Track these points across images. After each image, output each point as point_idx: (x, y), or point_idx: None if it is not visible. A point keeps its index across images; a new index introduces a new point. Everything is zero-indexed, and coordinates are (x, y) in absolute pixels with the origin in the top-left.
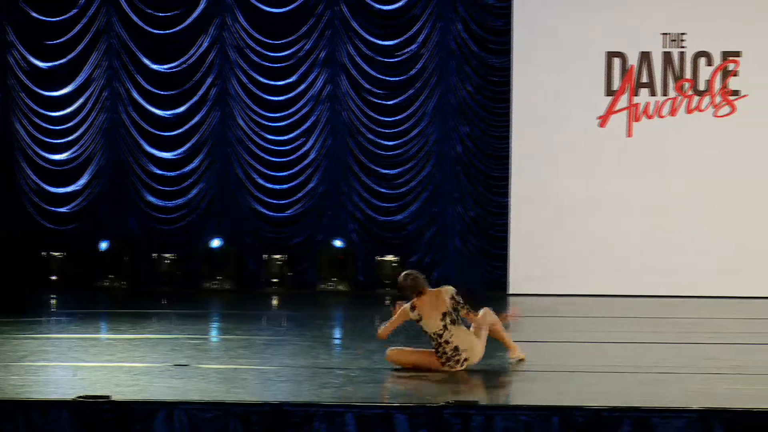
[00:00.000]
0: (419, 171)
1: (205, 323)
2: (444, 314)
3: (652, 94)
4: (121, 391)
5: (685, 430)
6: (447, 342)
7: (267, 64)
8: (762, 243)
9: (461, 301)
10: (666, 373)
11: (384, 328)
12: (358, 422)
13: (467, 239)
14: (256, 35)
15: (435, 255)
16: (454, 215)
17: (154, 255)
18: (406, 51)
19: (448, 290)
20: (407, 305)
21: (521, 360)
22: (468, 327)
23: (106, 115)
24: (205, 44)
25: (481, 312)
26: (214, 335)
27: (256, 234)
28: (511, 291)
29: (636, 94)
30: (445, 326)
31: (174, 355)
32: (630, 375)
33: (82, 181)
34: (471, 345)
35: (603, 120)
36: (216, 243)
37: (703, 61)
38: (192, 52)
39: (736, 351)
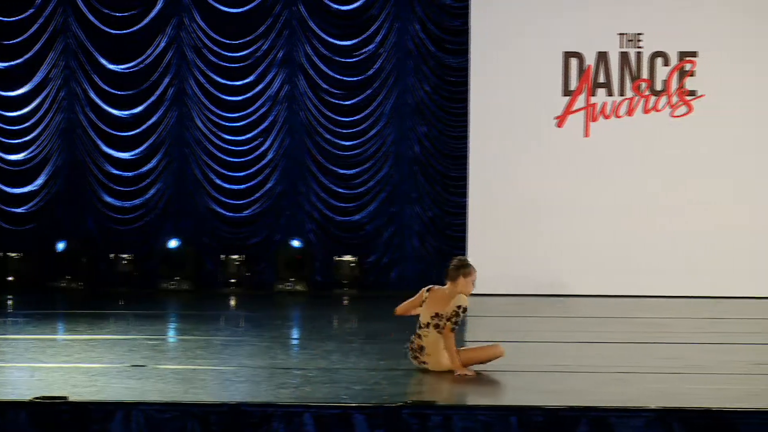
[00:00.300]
0: (377, 171)
1: (163, 324)
2: (437, 314)
3: (609, 94)
4: (78, 392)
5: (644, 430)
6: (420, 337)
7: (224, 64)
8: (719, 242)
9: (456, 318)
10: (625, 372)
11: (402, 305)
12: (316, 422)
13: (425, 239)
14: (214, 35)
15: (393, 255)
16: (412, 215)
17: (112, 255)
18: (363, 51)
19: (461, 299)
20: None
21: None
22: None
23: (63, 116)
24: (163, 44)
25: (471, 347)
26: (171, 336)
27: (213, 234)
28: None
29: (593, 94)
30: (428, 324)
31: (131, 355)
32: (589, 375)
33: (39, 182)
34: (438, 358)
35: (560, 120)
36: (173, 243)
37: (660, 61)
38: (149, 52)
39: (695, 350)
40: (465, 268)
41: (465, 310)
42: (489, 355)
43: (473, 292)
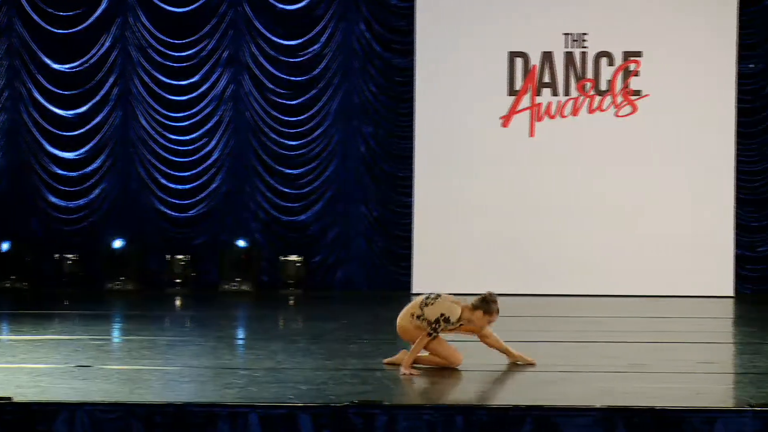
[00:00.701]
0: (323, 171)
1: (108, 324)
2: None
3: (555, 94)
4: (22, 393)
5: (588, 429)
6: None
7: (169, 63)
8: (663, 241)
9: (436, 326)
10: (570, 371)
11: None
12: (262, 422)
13: (371, 239)
14: (159, 35)
15: (338, 255)
16: (358, 215)
17: (56, 255)
18: (309, 51)
19: (451, 310)
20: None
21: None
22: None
23: (6, 116)
24: (107, 44)
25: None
26: (116, 336)
27: (158, 234)
28: (414, 291)
29: (538, 94)
30: (413, 314)
31: (76, 356)
32: (534, 374)
33: None
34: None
35: (505, 120)
36: (118, 243)
37: (604, 61)
38: (94, 51)
39: (639, 349)
40: (488, 304)
41: (447, 320)
42: (445, 364)
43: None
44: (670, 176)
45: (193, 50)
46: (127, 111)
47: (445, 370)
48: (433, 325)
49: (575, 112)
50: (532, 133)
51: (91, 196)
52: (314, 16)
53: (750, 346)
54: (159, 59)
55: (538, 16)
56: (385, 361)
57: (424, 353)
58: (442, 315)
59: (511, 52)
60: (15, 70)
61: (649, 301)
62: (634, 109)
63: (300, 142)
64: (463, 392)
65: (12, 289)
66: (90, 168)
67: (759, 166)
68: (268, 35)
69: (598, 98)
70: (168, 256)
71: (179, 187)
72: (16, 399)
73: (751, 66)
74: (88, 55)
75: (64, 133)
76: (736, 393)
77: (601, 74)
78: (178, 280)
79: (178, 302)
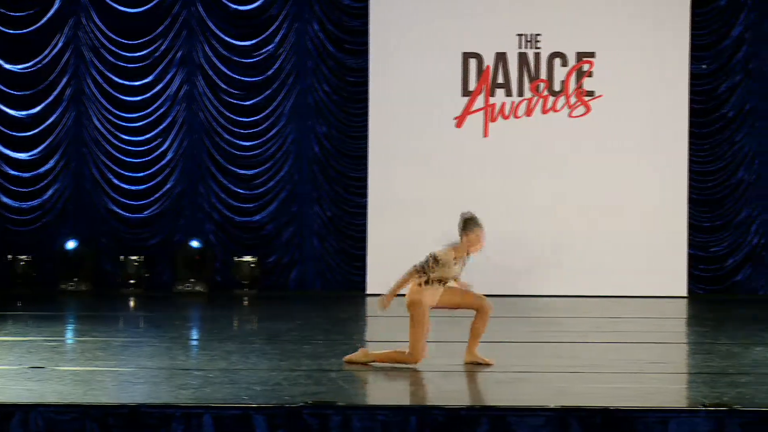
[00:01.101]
0: (277, 171)
1: (62, 325)
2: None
3: (508, 94)
4: None
5: (542, 429)
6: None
7: (123, 64)
8: (616, 241)
9: (424, 263)
10: (524, 372)
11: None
12: (216, 423)
13: (325, 239)
14: (112, 35)
15: (293, 255)
16: (312, 215)
17: (9, 256)
18: (262, 51)
19: (439, 251)
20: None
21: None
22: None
23: None
24: (60, 44)
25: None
26: (70, 337)
27: (112, 235)
28: (369, 291)
29: (492, 95)
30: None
31: (30, 357)
32: (488, 374)
33: None
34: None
35: (459, 120)
36: (72, 244)
37: (558, 61)
38: (47, 52)
39: (592, 350)
40: (463, 227)
41: (435, 260)
42: (402, 361)
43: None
44: (624, 177)
45: (147, 51)
46: (80, 111)
47: (401, 371)
48: (423, 265)
49: (529, 112)
50: (486, 134)
51: (44, 197)
52: (268, 16)
53: (703, 346)
54: (112, 60)
55: (492, 17)
56: (345, 358)
57: (387, 350)
58: (431, 254)
59: (464, 53)
60: None
61: (603, 301)
62: (588, 110)
63: (254, 142)
64: (418, 393)
65: None
66: (43, 169)
67: (712, 167)
68: (222, 36)
69: (551, 99)
70: (122, 257)
71: (133, 187)
72: None
73: (703, 67)
74: (41, 56)
75: (17, 134)
76: (690, 393)
77: (555, 75)
78: (131, 281)
79: (131, 303)
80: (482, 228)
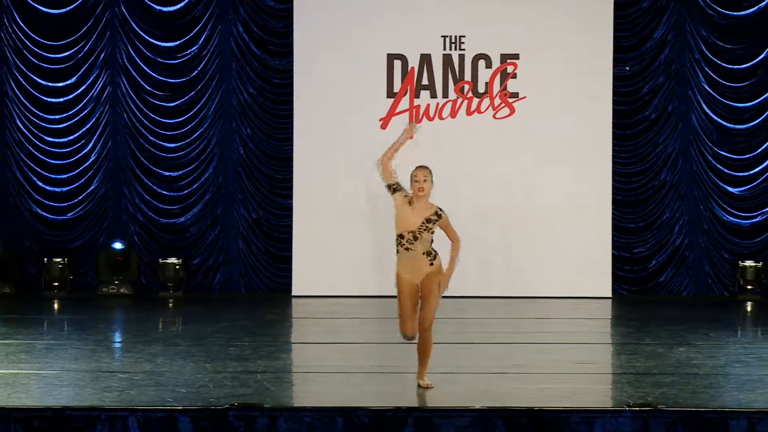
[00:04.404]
0: (201, 173)
1: None
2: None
3: (433, 96)
4: None
5: (468, 429)
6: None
7: (45, 65)
8: (541, 242)
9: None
10: (450, 372)
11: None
12: (141, 426)
13: (250, 241)
14: (34, 36)
15: (218, 257)
16: (237, 217)
17: None
18: (186, 53)
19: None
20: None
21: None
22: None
23: None
24: None
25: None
26: None
27: (35, 237)
28: (294, 293)
29: (417, 96)
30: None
31: None
32: (412, 375)
33: None
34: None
35: (384, 122)
36: None
37: (482, 63)
38: None
39: (518, 350)
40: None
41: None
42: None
43: None
44: (548, 178)
45: (70, 52)
46: (2, 113)
47: (328, 371)
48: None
49: (453, 114)
50: (410, 136)
51: None
52: (191, 17)
53: (627, 347)
54: (35, 61)
55: (416, 19)
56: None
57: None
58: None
59: (389, 55)
60: None
61: (528, 302)
62: (512, 111)
63: (178, 144)
64: (344, 394)
65: None
66: None
67: (635, 168)
68: (146, 37)
69: (476, 100)
70: (45, 259)
71: (56, 189)
72: None
73: (626, 69)
74: None
75: None
76: (614, 393)
77: (479, 76)
78: (55, 284)
79: (55, 306)
80: (422, 168)
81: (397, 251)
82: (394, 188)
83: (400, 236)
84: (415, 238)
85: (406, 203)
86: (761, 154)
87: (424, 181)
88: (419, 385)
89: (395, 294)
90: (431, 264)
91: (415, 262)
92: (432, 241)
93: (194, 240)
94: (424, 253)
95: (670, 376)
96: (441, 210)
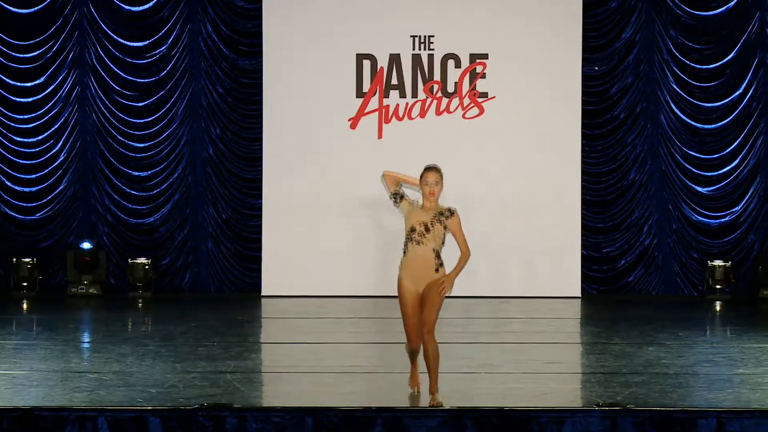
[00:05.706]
0: (170, 173)
1: None
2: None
3: (402, 96)
4: None
5: (438, 429)
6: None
7: (14, 65)
8: (511, 242)
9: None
10: (421, 373)
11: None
12: (111, 426)
13: (220, 241)
14: (2, 36)
15: (187, 257)
16: (206, 217)
17: None
18: (155, 52)
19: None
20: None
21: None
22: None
23: None
24: None
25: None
26: None
27: (4, 237)
28: (264, 293)
29: (386, 96)
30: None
31: None
32: (384, 375)
33: None
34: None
35: (353, 122)
36: None
37: (451, 63)
38: None
39: (487, 350)
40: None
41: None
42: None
43: None
44: (518, 178)
45: (38, 52)
46: None
47: (293, 373)
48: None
49: (423, 114)
50: (380, 135)
51: None
52: (160, 17)
53: (597, 347)
54: (3, 61)
55: (386, 19)
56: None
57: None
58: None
59: (358, 54)
60: None
61: (497, 302)
62: (481, 111)
63: (147, 144)
64: (313, 394)
65: None
66: None
67: (603, 168)
68: (114, 37)
69: (445, 100)
70: (14, 259)
71: (25, 189)
72: None
73: (595, 69)
74: None
75: None
76: (584, 393)
77: (448, 76)
78: (24, 284)
79: (24, 306)
80: (431, 169)
81: (405, 251)
82: (400, 197)
83: (412, 230)
84: (428, 230)
85: (416, 206)
86: (730, 153)
87: (435, 184)
88: (429, 402)
89: (364, 293)
90: (437, 271)
91: (422, 263)
92: (443, 242)
93: (163, 240)
94: (433, 251)
95: (639, 376)
96: (454, 208)
